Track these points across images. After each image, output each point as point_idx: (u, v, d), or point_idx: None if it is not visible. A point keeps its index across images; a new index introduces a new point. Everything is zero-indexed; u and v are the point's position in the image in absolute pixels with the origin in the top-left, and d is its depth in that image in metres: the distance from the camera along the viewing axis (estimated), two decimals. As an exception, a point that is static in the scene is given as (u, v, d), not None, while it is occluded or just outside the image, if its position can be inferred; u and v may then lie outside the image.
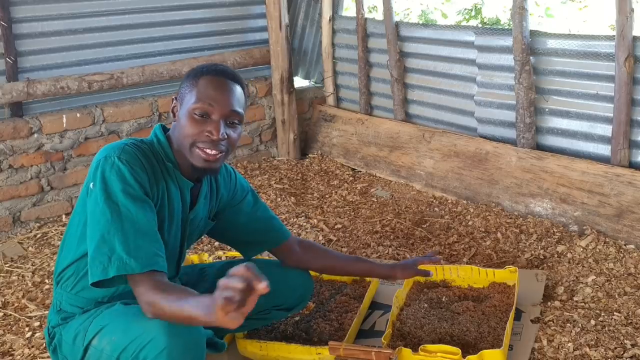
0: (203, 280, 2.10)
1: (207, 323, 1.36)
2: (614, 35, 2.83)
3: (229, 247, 2.79)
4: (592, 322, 2.26)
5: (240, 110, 1.73)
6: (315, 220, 3.36)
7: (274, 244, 2.10)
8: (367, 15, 4.16)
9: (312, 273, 2.61)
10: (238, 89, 1.75)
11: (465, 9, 6.66)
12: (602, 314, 2.31)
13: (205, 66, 1.77)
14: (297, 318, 2.32)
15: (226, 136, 1.70)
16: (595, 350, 2.11)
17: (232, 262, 2.18)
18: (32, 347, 2.37)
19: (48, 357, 2.26)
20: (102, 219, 1.56)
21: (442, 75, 3.76)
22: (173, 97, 1.78)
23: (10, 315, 2.61)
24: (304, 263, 2.14)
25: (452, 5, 6.92)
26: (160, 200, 1.72)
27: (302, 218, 3.41)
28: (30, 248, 3.26)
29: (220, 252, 2.96)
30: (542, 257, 2.79)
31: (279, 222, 2.12)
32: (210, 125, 1.68)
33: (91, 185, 1.61)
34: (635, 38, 2.77)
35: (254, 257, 2.17)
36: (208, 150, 1.69)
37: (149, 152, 1.72)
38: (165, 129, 1.82)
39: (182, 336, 1.50)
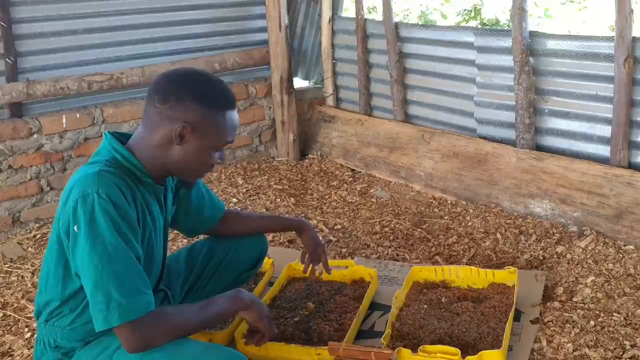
0: (177, 264, 2.21)
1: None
2: (613, 36, 2.83)
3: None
4: (592, 322, 2.26)
5: None
6: (314, 221, 3.36)
7: (217, 217, 2.18)
8: (366, 16, 4.16)
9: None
10: None
11: (464, 10, 6.67)
12: (602, 315, 2.31)
13: (222, 96, 1.73)
14: (297, 318, 2.32)
15: None
16: (595, 351, 2.11)
17: (194, 246, 2.30)
18: (32, 347, 2.37)
19: (48, 357, 2.26)
20: (92, 266, 1.54)
21: (441, 76, 3.76)
22: (181, 123, 1.65)
23: (10, 315, 2.61)
24: (234, 230, 2.24)
25: (452, 6, 6.94)
26: (142, 217, 1.71)
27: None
28: (29, 248, 3.26)
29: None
30: (541, 258, 2.79)
31: (215, 195, 2.21)
32: (219, 155, 1.77)
33: (75, 228, 1.55)
34: (634, 39, 2.77)
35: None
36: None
37: (121, 172, 1.66)
38: (118, 137, 1.74)
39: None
